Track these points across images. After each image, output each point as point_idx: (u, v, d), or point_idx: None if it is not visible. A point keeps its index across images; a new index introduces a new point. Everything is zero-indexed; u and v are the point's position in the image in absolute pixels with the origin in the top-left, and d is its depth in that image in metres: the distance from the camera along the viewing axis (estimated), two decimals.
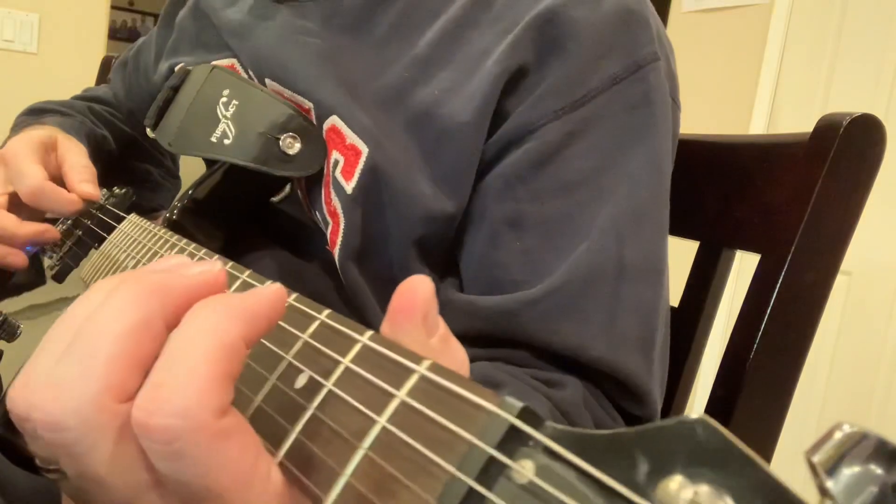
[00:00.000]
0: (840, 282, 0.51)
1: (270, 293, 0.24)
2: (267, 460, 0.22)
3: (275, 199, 0.63)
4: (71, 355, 0.22)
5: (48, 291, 0.67)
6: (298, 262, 0.60)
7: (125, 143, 0.86)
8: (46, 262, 0.71)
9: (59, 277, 0.66)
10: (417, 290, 0.24)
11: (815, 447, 0.15)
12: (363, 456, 0.21)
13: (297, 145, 0.53)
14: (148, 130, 0.64)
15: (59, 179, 0.64)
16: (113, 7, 2.28)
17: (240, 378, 0.23)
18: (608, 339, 0.47)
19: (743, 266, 1.20)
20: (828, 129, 0.52)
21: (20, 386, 0.22)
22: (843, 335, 1.87)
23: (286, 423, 0.24)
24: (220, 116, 0.56)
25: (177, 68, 0.65)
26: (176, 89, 0.62)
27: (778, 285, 0.53)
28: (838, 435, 0.15)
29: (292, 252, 0.60)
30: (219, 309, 0.22)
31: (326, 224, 0.55)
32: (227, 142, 0.55)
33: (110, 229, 0.62)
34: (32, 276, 0.70)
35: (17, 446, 0.50)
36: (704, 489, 0.15)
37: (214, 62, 0.63)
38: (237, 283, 0.32)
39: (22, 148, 0.63)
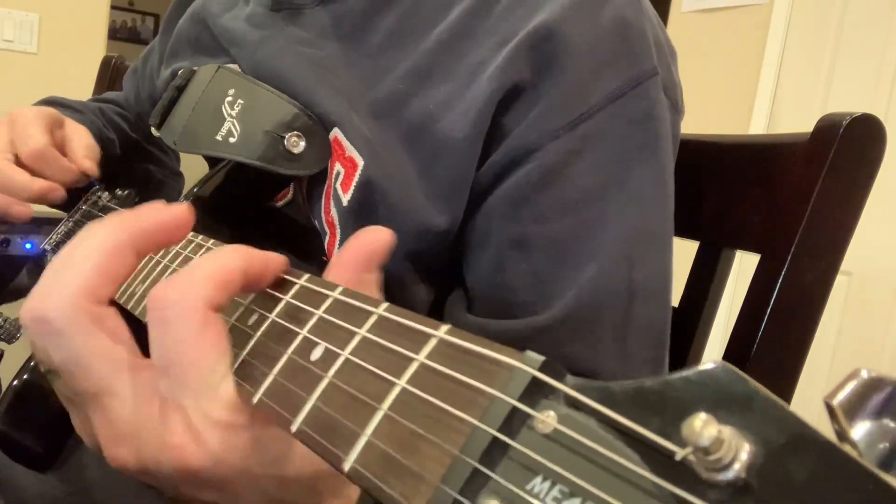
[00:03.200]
0: (840, 282, 0.51)
1: (272, 255, 0.30)
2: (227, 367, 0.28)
3: (279, 203, 0.63)
4: (58, 270, 0.29)
5: None
6: (300, 266, 0.60)
7: (128, 146, 0.86)
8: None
9: None
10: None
11: (834, 392, 0.15)
12: (383, 416, 0.22)
13: (302, 144, 0.53)
14: (153, 129, 0.64)
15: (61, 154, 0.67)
16: (113, 7, 2.28)
17: (254, 355, 0.28)
18: (620, 361, 0.47)
19: (743, 266, 1.20)
20: (828, 129, 0.52)
21: (26, 304, 0.29)
22: (843, 335, 1.87)
23: (303, 393, 0.25)
24: (226, 115, 0.57)
25: (179, 72, 0.65)
26: (181, 89, 0.63)
27: (778, 285, 0.53)
28: (857, 380, 0.15)
29: (294, 256, 0.60)
30: (234, 247, 0.29)
31: (324, 234, 0.55)
32: (232, 140, 0.55)
33: None
34: (34, 280, 0.70)
35: (18, 443, 0.50)
36: (728, 429, 0.15)
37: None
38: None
39: (30, 114, 0.67)
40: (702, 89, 2.16)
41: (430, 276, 0.54)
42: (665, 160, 0.51)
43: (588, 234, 0.49)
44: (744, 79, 2.16)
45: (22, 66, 2.14)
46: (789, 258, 0.52)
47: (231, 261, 0.28)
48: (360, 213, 0.51)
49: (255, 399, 0.26)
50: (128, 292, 0.41)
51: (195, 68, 0.63)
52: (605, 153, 0.49)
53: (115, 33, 2.28)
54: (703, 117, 2.10)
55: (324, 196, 0.55)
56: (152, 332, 0.27)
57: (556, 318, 0.47)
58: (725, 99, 2.19)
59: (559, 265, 0.49)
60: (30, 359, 0.52)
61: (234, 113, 0.56)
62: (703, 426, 0.15)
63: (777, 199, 0.55)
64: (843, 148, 0.51)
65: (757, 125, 2.11)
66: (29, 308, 0.28)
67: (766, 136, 0.63)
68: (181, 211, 0.31)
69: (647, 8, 0.53)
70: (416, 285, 0.53)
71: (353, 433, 0.22)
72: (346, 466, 0.22)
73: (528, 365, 0.19)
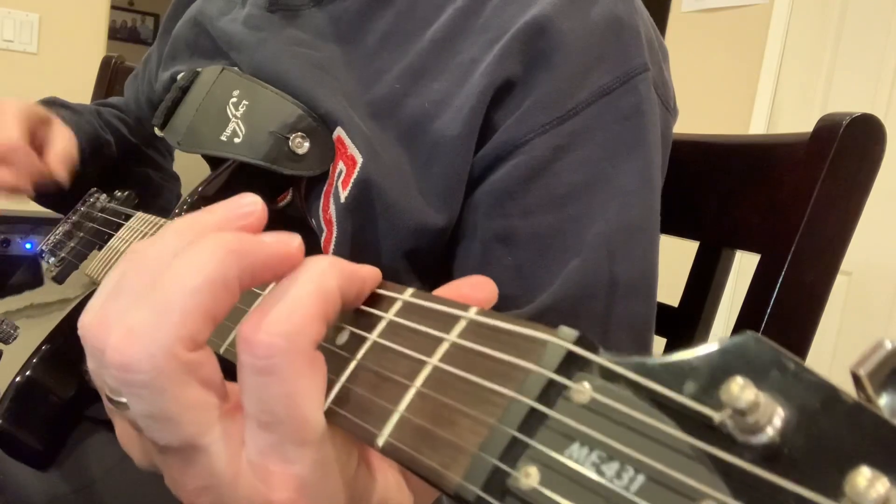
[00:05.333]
0: (840, 282, 0.51)
1: (365, 267, 0.27)
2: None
3: (280, 204, 0.63)
4: (148, 303, 0.23)
5: (48, 292, 0.67)
6: None
7: (126, 149, 0.87)
8: (45, 265, 0.71)
9: (60, 279, 0.66)
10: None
11: (861, 362, 0.16)
12: (416, 393, 0.22)
13: (307, 145, 0.53)
14: (156, 129, 0.64)
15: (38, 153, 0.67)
16: (113, 7, 2.28)
17: None
18: None
19: (743, 266, 1.20)
20: (828, 129, 0.52)
21: (96, 322, 0.24)
22: (843, 335, 1.87)
23: (331, 375, 0.24)
24: (231, 116, 0.57)
25: (179, 76, 0.65)
26: (185, 90, 0.63)
27: (778, 285, 0.53)
28: (882, 351, 0.16)
29: None
30: (324, 261, 0.25)
31: (321, 232, 0.55)
32: (237, 140, 0.56)
33: (116, 228, 0.63)
34: (29, 278, 0.70)
35: (18, 441, 0.50)
36: (762, 394, 0.15)
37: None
38: None
39: (12, 107, 0.66)
40: (702, 89, 2.16)
41: (425, 272, 0.54)
42: (652, 156, 0.51)
43: (572, 229, 0.49)
44: (744, 79, 2.16)
45: (22, 66, 2.14)
46: (789, 258, 0.52)
47: (330, 286, 0.24)
48: (358, 211, 0.52)
49: None
50: None
51: (198, 69, 0.63)
52: (592, 149, 0.49)
53: (115, 33, 2.28)
54: (703, 117, 2.10)
55: (323, 194, 0.55)
56: (252, 382, 0.23)
57: (538, 310, 0.47)
58: (725, 99, 2.19)
59: (543, 259, 0.49)
60: (31, 356, 0.52)
61: (238, 114, 0.57)
62: (741, 390, 0.15)
63: (777, 199, 0.55)
64: (843, 148, 0.51)
65: (757, 125, 2.11)
66: (113, 348, 0.23)
67: (766, 136, 0.63)
68: (294, 246, 0.25)
69: (639, 6, 0.53)
70: (412, 282, 0.53)
71: (385, 410, 0.22)
72: (381, 441, 0.22)
73: (562, 339, 0.20)
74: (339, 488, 0.24)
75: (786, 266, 0.53)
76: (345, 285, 0.25)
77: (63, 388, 0.50)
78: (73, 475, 0.52)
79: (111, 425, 0.29)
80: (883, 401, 0.15)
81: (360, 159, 0.52)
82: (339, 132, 0.54)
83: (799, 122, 2.01)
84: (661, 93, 0.54)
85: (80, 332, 0.25)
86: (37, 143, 0.67)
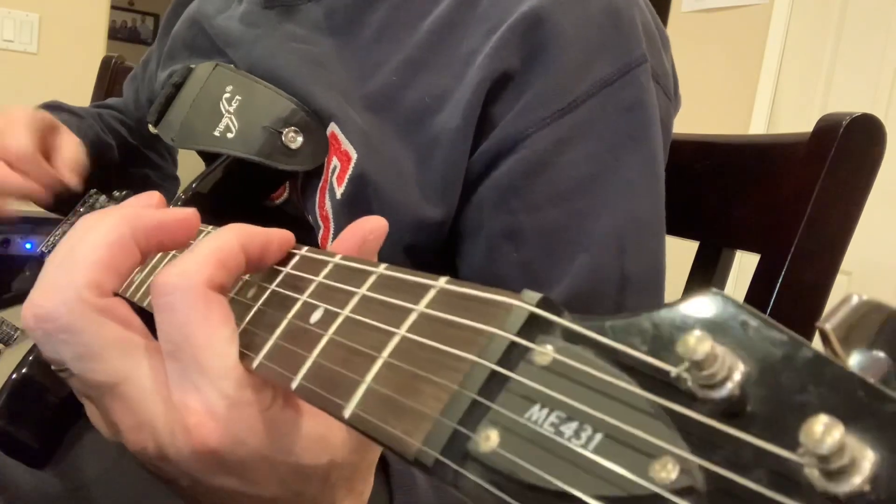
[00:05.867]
0: (840, 282, 0.51)
1: (275, 231, 0.30)
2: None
3: (277, 201, 0.63)
4: (60, 265, 0.28)
5: None
6: None
7: (126, 151, 0.87)
8: None
9: None
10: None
11: (827, 317, 0.15)
12: (383, 364, 0.22)
13: (300, 139, 0.53)
14: (150, 126, 0.64)
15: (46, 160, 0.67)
16: (113, 7, 2.28)
17: (254, 323, 0.29)
18: None
19: (743, 266, 1.20)
20: (828, 129, 0.52)
21: (28, 299, 0.28)
22: None
23: (303, 352, 0.25)
24: (224, 111, 0.57)
25: (176, 71, 0.65)
26: (178, 86, 0.63)
27: (778, 285, 0.53)
28: (849, 305, 0.15)
29: None
30: (229, 226, 0.29)
31: (318, 228, 0.55)
32: (230, 135, 0.56)
33: None
34: (30, 284, 0.70)
35: (14, 439, 0.50)
36: (721, 348, 0.15)
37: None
38: None
39: (23, 116, 0.67)
40: (702, 89, 2.16)
41: (425, 268, 0.54)
42: (655, 148, 0.51)
43: (579, 224, 0.48)
44: (744, 79, 2.15)
45: (22, 66, 2.14)
46: (789, 258, 0.52)
47: (228, 239, 0.28)
48: (354, 207, 0.51)
49: (255, 363, 0.26)
50: (134, 284, 0.41)
51: (192, 66, 0.63)
52: (594, 142, 0.49)
53: (115, 33, 2.28)
54: (703, 117, 2.10)
55: (319, 191, 0.55)
56: (158, 318, 0.27)
57: None
58: (725, 99, 2.19)
59: (550, 255, 0.48)
60: (27, 354, 0.52)
61: (231, 109, 0.57)
62: (697, 341, 0.15)
63: (777, 199, 0.55)
64: (843, 148, 0.51)
65: (757, 125, 2.11)
66: (32, 306, 0.27)
67: (766, 136, 0.63)
68: (187, 214, 0.31)
69: None
70: None
71: (353, 382, 0.22)
72: (347, 413, 0.22)
73: (525, 302, 0.20)
74: (256, 419, 0.26)
75: (786, 266, 0.52)
76: (246, 241, 0.28)
77: (60, 386, 0.50)
78: (69, 474, 0.51)
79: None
80: (853, 360, 0.15)
81: (354, 155, 0.51)
82: (332, 128, 0.53)
83: (799, 122, 2.01)
84: (662, 82, 0.53)
85: (21, 320, 0.29)
86: (45, 150, 0.68)
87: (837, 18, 2.00)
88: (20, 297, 0.70)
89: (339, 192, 0.52)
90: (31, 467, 0.51)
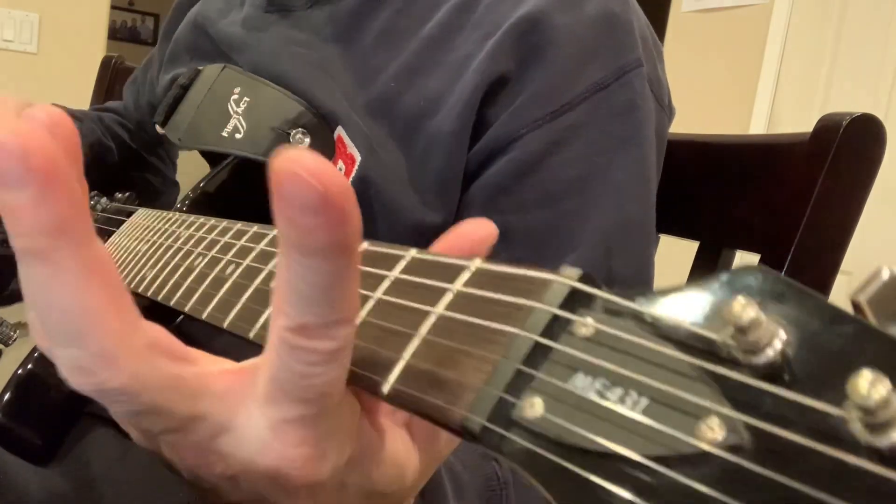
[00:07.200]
0: (840, 282, 0.51)
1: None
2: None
3: None
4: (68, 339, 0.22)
5: None
6: None
7: (126, 155, 0.87)
8: None
9: None
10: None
11: (860, 289, 0.16)
12: (421, 341, 0.22)
13: (307, 141, 0.54)
14: (157, 127, 0.64)
15: None
16: (113, 7, 2.28)
17: None
18: None
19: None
20: (828, 129, 0.52)
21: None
22: None
23: None
24: (232, 112, 0.57)
25: (182, 73, 0.66)
26: (186, 87, 0.63)
27: None
28: (880, 279, 0.16)
29: None
30: None
31: None
32: (238, 136, 0.56)
33: (118, 225, 0.63)
34: None
35: (17, 435, 0.50)
36: (765, 316, 0.16)
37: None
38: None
39: None
40: (702, 89, 2.16)
41: None
42: (647, 151, 0.51)
43: (568, 225, 0.49)
44: (744, 79, 2.16)
45: (22, 66, 2.14)
46: (789, 258, 0.52)
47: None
48: None
49: None
50: (147, 279, 0.41)
51: (199, 68, 0.63)
52: (586, 144, 0.49)
53: (115, 33, 2.29)
54: (703, 117, 2.10)
55: None
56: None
57: None
58: (725, 99, 2.19)
59: (538, 255, 0.49)
60: (32, 350, 0.52)
61: (239, 110, 0.57)
62: (742, 308, 0.15)
63: (777, 199, 0.55)
64: (843, 148, 0.51)
65: (757, 125, 2.11)
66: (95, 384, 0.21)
67: (766, 136, 0.63)
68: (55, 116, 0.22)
69: (632, 3, 0.53)
70: None
71: (390, 359, 0.22)
72: (386, 389, 0.22)
73: (566, 278, 0.20)
74: (345, 438, 0.22)
75: (786, 266, 0.53)
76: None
77: (64, 383, 0.50)
78: (73, 471, 0.51)
79: (113, 421, 0.29)
80: (891, 330, 0.15)
81: (358, 158, 0.52)
82: (339, 131, 0.54)
83: (799, 122, 2.01)
84: (656, 89, 0.54)
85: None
86: None
87: (837, 18, 2.00)
88: (19, 296, 0.70)
89: None
90: (34, 464, 0.51)
